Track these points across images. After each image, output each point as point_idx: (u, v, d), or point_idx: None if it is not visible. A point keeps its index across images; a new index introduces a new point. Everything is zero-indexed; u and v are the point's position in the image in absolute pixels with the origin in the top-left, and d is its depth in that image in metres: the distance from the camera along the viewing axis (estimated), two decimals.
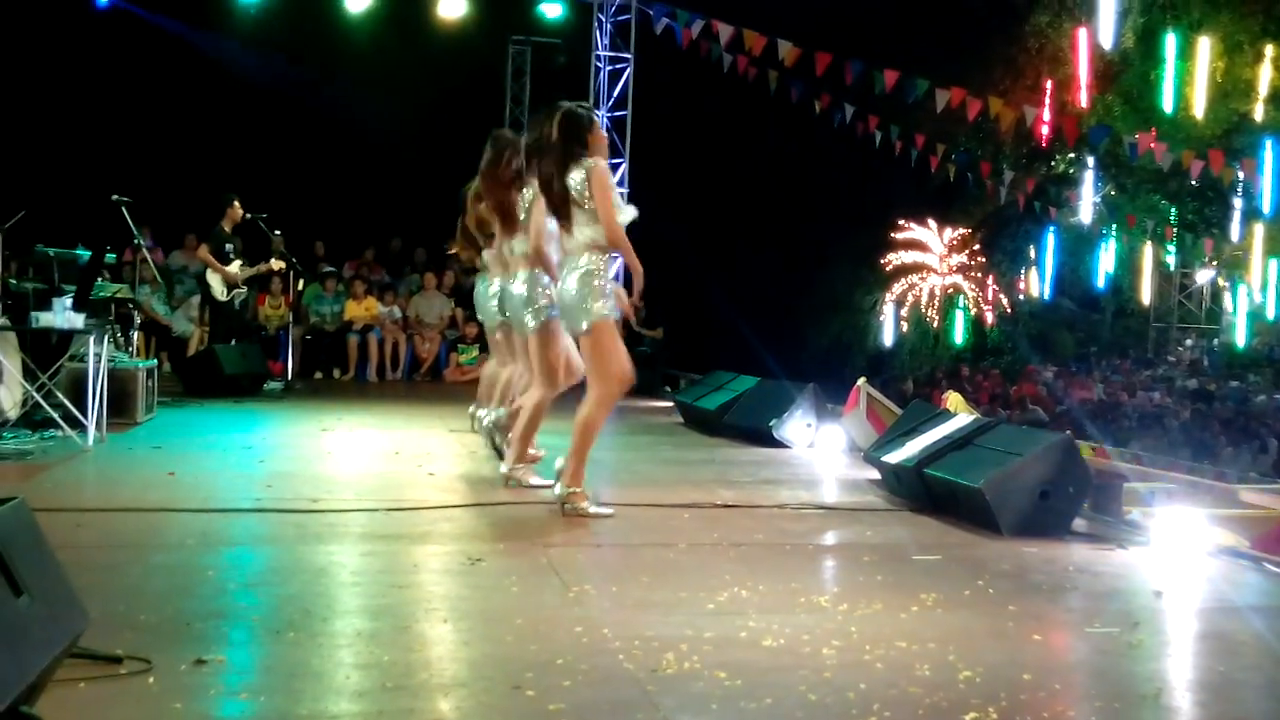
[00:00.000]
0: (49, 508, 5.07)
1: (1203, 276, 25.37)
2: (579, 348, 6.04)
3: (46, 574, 3.04)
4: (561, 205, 5.77)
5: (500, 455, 7.09)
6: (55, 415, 7.73)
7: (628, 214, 5.79)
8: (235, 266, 11.73)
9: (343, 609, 4.08)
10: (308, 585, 4.36)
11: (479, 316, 8.46)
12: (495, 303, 7.53)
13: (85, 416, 7.66)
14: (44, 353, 8.31)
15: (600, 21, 15.99)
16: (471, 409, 8.70)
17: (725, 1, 15.85)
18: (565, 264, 5.89)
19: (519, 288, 6.58)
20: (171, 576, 4.44)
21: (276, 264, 12.38)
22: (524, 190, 6.61)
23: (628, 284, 6.66)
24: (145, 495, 6.05)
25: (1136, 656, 3.82)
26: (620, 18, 15.92)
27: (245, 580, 4.50)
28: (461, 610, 4.09)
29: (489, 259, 7.55)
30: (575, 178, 5.70)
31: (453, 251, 8.86)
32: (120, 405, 8.65)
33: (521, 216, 6.68)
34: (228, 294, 11.74)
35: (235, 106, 17.86)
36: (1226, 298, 25.53)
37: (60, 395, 7.88)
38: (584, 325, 5.75)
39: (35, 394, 7.83)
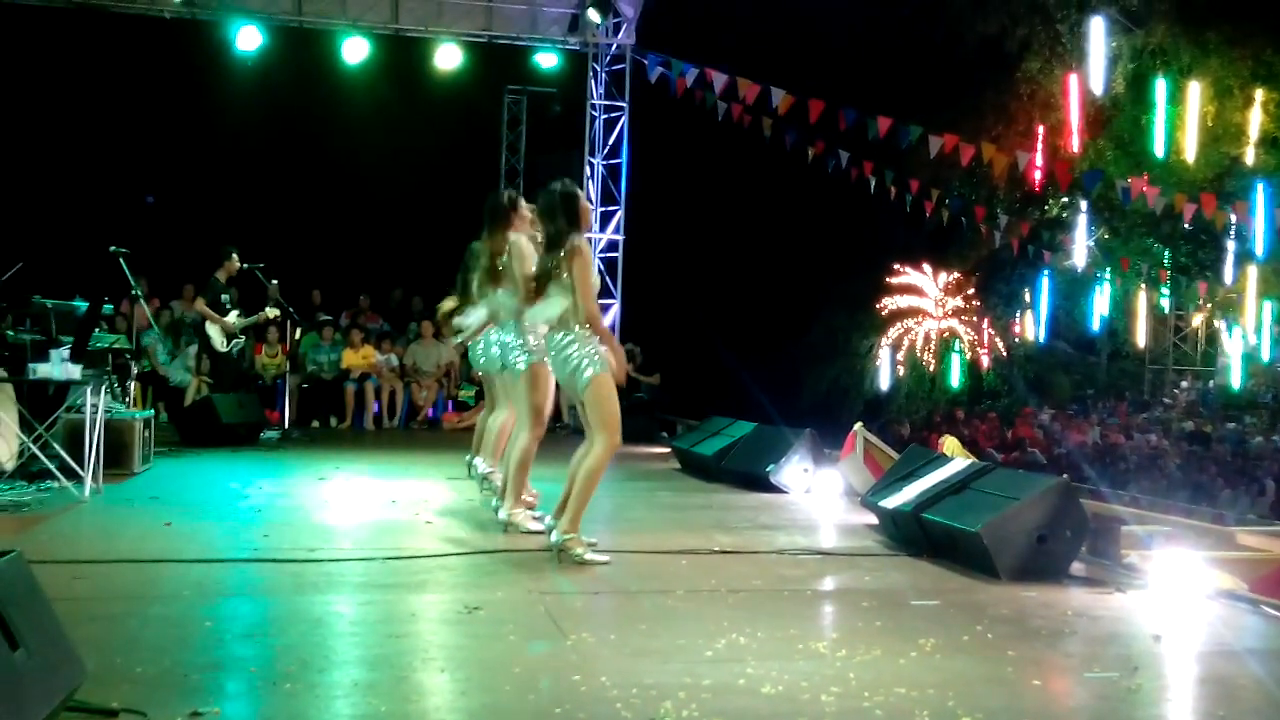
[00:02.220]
0: (45, 559, 5.07)
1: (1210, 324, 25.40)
2: (581, 406, 6.06)
3: (43, 627, 3.04)
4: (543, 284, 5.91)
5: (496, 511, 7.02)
6: (52, 466, 7.72)
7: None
8: (232, 316, 11.78)
9: (340, 659, 4.07)
10: (305, 635, 4.35)
11: (475, 367, 8.47)
12: (495, 350, 7.56)
13: (82, 467, 7.64)
14: (41, 404, 8.30)
15: (595, 71, 16.12)
16: (468, 457, 8.69)
17: (719, 50, 16.00)
18: (557, 334, 5.96)
19: (511, 332, 6.69)
20: (168, 628, 4.43)
21: (273, 313, 12.40)
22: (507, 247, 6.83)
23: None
24: (142, 546, 6.04)
25: (1136, 702, 3.81)
26: (615, 67, 16.05)
27: (242, 631, 4.49)
28: (459, 659, 4.08)
29: (487, 314, 7.57)
30: (560, 254, 5.85)
31: (446, 310, 8.85)
32: (117, 456, 8.64)
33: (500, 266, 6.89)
34: (227, 344, 11.78)
35: (232, 157, 17.98)
36: (1222, 339, 25.56)
37: (57, 446, 7.86)
38: (583, 380, 5.83)
39: (32, 445, 7.82)
